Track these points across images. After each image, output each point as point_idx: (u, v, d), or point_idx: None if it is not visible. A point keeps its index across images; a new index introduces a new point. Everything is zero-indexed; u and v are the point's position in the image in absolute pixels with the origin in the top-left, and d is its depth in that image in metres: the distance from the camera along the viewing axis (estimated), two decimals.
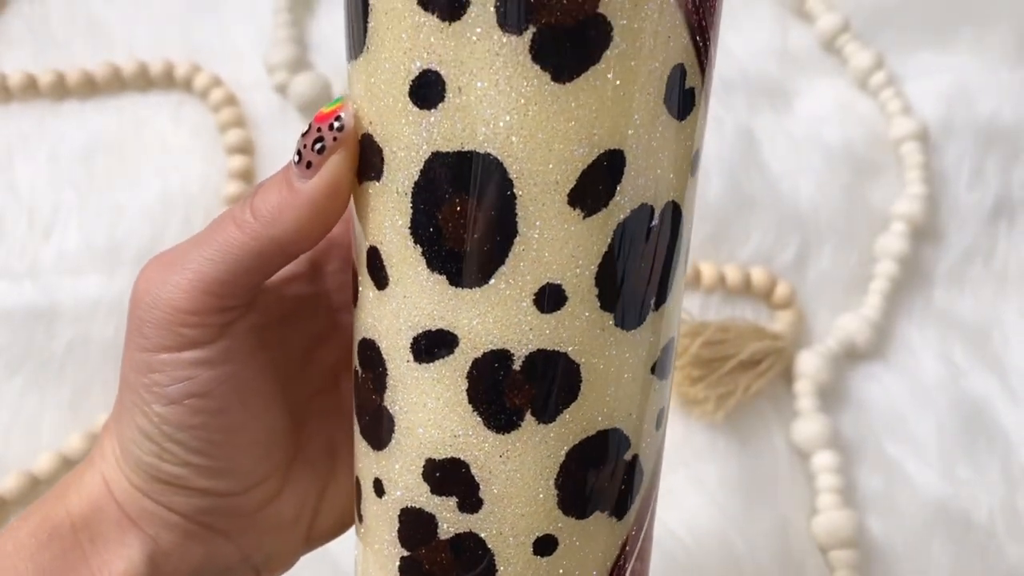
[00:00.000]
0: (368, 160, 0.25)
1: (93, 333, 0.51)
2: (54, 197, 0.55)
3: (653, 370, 0.26)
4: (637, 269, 0.24)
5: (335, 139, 0.25)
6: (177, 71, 0.58)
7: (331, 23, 0.61)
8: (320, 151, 0.25)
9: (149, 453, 0.28)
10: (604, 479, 0.26)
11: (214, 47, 0.59)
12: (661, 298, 0.26)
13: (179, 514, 0.29)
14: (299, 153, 0.25)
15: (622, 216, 0.24)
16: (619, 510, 0.27)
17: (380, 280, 0.25)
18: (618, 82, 0.22)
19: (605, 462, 0.26)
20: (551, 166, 0.23)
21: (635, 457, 0.27)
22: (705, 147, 0.57)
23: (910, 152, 0.58)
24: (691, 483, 0.50)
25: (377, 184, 0.25)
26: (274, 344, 0.29)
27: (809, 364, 0.52)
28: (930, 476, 0.51)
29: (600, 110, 0.22)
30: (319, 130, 0.25)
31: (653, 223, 0.24)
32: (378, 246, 0.25)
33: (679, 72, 0.23)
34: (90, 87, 0.58)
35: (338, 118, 0.25)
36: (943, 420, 0.52)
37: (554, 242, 0.23)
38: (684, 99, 0.24)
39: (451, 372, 0.25)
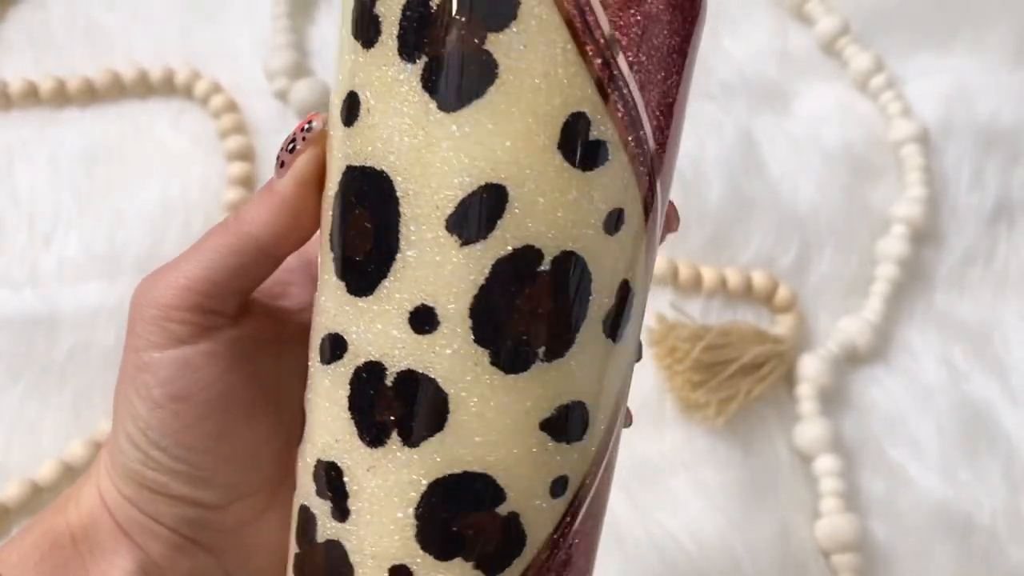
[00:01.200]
0: (326, 172, 0.27)
1: (94, 340, 0.51)
2: (54, 204, 0.55)
3: (546, 428, 0.25)
4: (520, 311, 0.24)
5: (304, 139, 0.27)
6: (177, 77, 0.58)
7: (331, 29, 0.61)
8: (292, 151, 0.27)
9: (135, 460, 0.28)
10: (470, 527, 0.26)
11: (214, 53, 0.59)
12: (555, 351, 0.25)
13: (165, 525, 0.29)
14: (278, 157, 0.28)
15: (502, 252, 0.24)
16: (489, 569, 0.26)
17: (317, 283, 0.27)
18: (501, 119, 0.23)
19: (471, 508, 0.25)
20: (432, 188, 0.24)
21: (514, 516, 0.26)
22: (705, 150, 0.57)
23: (910, 154, 0.58)
24: (693, 487, 0.50)
25: (324, 193, 0.27)
26: (268, 361, 0.30)
27: (810, 367, 0.52)
28: (932, 479, 0.51)
29: (482, 143, 0.23)
30: (294, 134, 0.27)
31: (541, 268, 0.24)
32: (319, 251, 0.27)
33: (580, 121, 0.23)
34: (90, 94, 0.58)
35: (310, 122, 0.27)
36: (944, 423, 0.52)
37: (430, 264, 0.24)
38: (586, 150, 0.24)
39: (340, 377, 0.26)
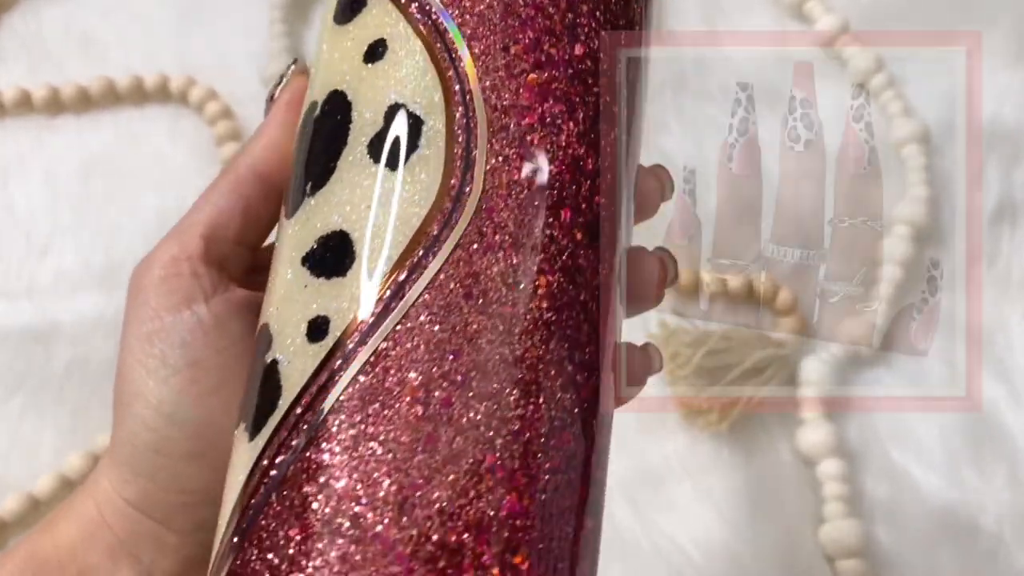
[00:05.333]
0: None
1: (92, 352, 0.51)
2: (51, 215, 0.54)
3: (306, 263, 0.24)
4: (302, 159, 0.26)
5: (291, 69, 0.29)
6: (172, 84, 0.58)
7: None
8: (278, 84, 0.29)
9: (148, 446, 0.27)
10: (247, 380, 0.25)
11: (209, 60, 0.59)
12: (318, 184, 0.25)
13: (176, 531, 0.27)
14: (267, 98, 0.29)
15: (304, 115, 0.27)
16: (252, 429, 0.24)
17: None
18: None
19: (256, 360, 0.25)
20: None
21: (273, 364, 0.24)
22: (704, 152, 0.57)
23: (911, 154, 0.57)
24: (696, 494, 0.50)
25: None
26: None
27: (813, 371, 0.52)
28: (936, 482, 0.51)
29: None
30: (281, 75, 0.30)
31: (316, 114, 0.26)
32: None
33: None
34: (85, 102, 0.58)
35: (295, 60, 0.30)
36: (948, 425, 0.52)
37: None
38: (351, 4, 0.26)
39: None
